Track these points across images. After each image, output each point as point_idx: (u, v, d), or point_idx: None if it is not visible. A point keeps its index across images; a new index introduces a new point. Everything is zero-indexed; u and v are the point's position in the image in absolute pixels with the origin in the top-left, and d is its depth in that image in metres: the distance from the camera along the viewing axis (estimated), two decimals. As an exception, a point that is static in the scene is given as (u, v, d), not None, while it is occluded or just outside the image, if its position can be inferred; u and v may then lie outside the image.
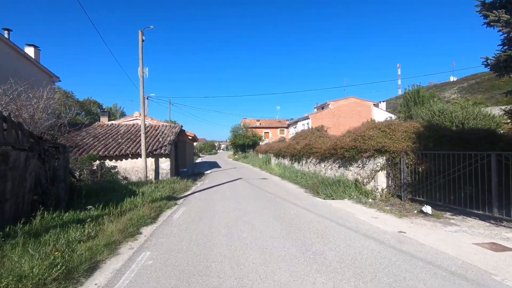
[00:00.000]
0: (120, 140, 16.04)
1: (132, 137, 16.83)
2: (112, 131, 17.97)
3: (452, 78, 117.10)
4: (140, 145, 14.93)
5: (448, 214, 7.36)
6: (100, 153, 13.75)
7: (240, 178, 17.07)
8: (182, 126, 19.95)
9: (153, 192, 10.08)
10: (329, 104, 50.98)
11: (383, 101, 53.68)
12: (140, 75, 13.37)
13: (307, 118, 51.28)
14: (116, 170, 13.85)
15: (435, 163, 8.04)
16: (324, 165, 14.11)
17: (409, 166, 8.90)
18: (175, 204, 9.18)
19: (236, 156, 48.20)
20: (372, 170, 10.18)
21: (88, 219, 6.09)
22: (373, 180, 10.23)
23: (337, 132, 42.44)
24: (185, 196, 10.88)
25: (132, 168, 14.22)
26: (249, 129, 51.26)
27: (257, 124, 64.34)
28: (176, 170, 18.04)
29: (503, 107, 13.80)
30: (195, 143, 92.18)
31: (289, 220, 7.00)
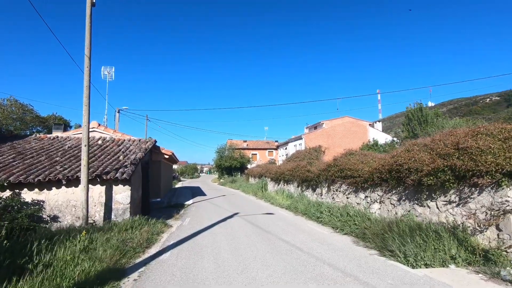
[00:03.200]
0: (58, 159, 10.75)
1: (80, 154, 11.56)
2: (53, 146, 12.63)
3: (430, 103, 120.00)
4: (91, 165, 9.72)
5: None
6: (12, 178, 8.41)
7: (236, 214, 11.97)
8: (155, 141, 14.88)
9: (74, 259, 4.89)
10: (322, 123, 47.43)
11: (379, 121, 50.84)
12: (86, 54, 8.46)
13: (299, 138, 47.30)
14: (40, 206, 8.52)
15: None
16: (367, 196, 9.41)
17: None
18: (113, 297, 4.04)
19: (221, 180, 42.82)
20: (493, 209, 5.58)
21: None
22: (493, 226, 5.60)
23: (333, 153, 38.47)
24: (144, 262, 5.69)
25: (67, 202, 8.90)
26: (237, 150, 46.37)
27: (244, 145, 59.77)
28: (144, 202, 12.74)
29: None
30: (175, 166, 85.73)
31: None
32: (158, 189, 15.69)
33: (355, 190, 10.10)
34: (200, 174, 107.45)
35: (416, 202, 7.41)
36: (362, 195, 9.71)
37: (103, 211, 9.14)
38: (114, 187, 9.35)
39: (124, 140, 14.47)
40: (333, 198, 11.62)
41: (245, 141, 61.81)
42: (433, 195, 6.90)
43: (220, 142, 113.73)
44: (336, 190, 11.35)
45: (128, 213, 9.35)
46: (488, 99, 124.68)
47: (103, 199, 9.18)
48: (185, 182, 49.26)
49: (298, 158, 36.11)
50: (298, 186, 15.72)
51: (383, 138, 41.28)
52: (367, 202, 9.39)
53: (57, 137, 14.18)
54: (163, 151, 15.64)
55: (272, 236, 7.81)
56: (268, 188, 21.86)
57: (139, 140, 14.78)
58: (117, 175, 9.14)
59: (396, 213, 7.91)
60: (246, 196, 21.21)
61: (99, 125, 15.01)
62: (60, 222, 8.62)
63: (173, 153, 16.55)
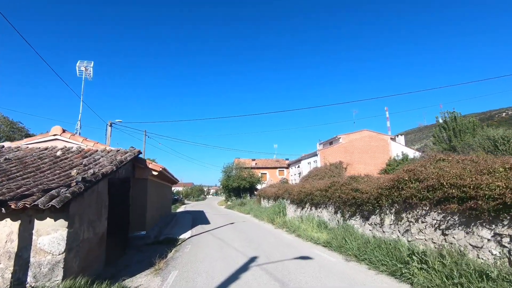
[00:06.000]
0: (-32, 175, 6.73)
1: (15, 170, 7.61)
2: (-16, 158, 8.70)
3: (440, 120, 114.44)
4: (13, 185, 5.69)
5: None
6: None
7: (252, 260, 7.59)
8: (139, 153, 10.85)
9: None
10: (339, 138, 43.10)
11: (401, 134, 46.23)
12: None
13: (314, 155, 42.92)
14: None
15: None
16: (498, 235, 5.02)
17: None
18: None
19: (229, 203, 38.25)
20: None
21: None
22: None
23: (353, 170, 33.78)
24: None
25: None
26: (245, 169, 42.08)
27: (253, 164, 55.59)
28: (115, 240, 8.53)
29: None
30: (179, 188, 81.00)
31: None
32: (142, 218, 11.45)
33: (465, 222, 5.71)
34: (207, 196, 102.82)
35: None
36: (485, 233, 5.31)
37: (13, 268, 4.93)
38: (36, 222, 5.17)
39: (97, 151, 10.52)
40: (407, 233, 7.20)
41: (253, 160, 57.69)
42: None
43: (227, 161, 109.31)
44: (417, 221, 6.94)
45: (61, 270, 5.09)
46: (504, 113, 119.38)
47: (13, 246, 5.00)
48: (189, 206, 44.77)
49: (317, 176, 31.53)
50: (336, 212, 11.30)
51: (411, 153, 36.53)
52: (502, 246, 4.98)
53: (2, 147, 10.30)
54: (150, 166, 11.55)
55: None
56: (287, 213, 17.40)
57: (117, 150, 10.80)
58: (40, 201, 4.99)
59: None
60: (260, 224, 16.72)
61: (64, 131, 11.11)
62: None
63: (164, 169, 12.44)
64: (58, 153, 9.93)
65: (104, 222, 7.58)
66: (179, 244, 10.28)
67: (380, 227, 8.49)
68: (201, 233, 12.85)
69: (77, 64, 17.76)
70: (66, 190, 5.48)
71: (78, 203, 5.81)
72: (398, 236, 7.58)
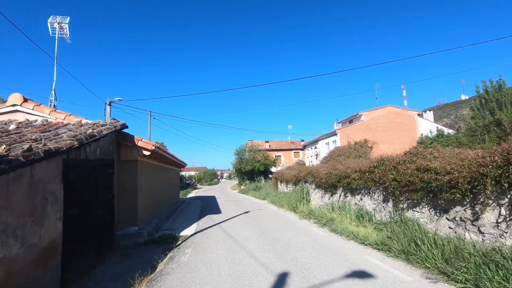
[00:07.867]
0: None
1: None
2: None
3: (463, 97, 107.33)
4: None
5: None
6: None
7: (284, 283, 4.90)
8: (124, 126, 8.22)
9: None
10: (360, 115, 39.51)
11: (429, 110, 42.00)
12: None
13: (333, 134, 39.62)
14: None
15: None
16: None
17: None
18: None
19: (243, 187, 35.92)
20: None
21: None
22: None
23: (377, 150, 30.38)
24: None
25: None
26: (259, 151, 39.41)
27: (266, 146, 52.88)
28: (92, 243, 6.05)
29: None
30: (192, 172, 79.90)
31: None
32: (133, 210, 8.94)
33: None
34: (220, 180, 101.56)
35: None
36: None
37: None
38: None
39: (67, 124, 7.98)
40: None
41: (267, 142, 54.97)
42: None
43: (240, 143, 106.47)
44: None
45: None
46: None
47: None
48: (201, 190, 42.86)
49: (340, 156, 28.40)
50: (385, 200, 8.42)
51: (444, 130, 32.62)
52: None
53: None
54: (139, 144, 8.89)
55: None
56: (311, 199, 14.67)
57: (94, 123, 8.20)
58: None
59: None
60: (280, 212, 14.07)
61: (26, 100, 8.52)
62: None
63: (158, 147, 9.77)
64: (11, 127, 7.42)
65: (54, 225, 5.01)
66: (178, 245, 7.73)
67: (471, 224, 5.57)
68: (208, 227, 10.29)
69: (49, 20, 14.83)
70: None
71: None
72: (516, 242, 4.67)
